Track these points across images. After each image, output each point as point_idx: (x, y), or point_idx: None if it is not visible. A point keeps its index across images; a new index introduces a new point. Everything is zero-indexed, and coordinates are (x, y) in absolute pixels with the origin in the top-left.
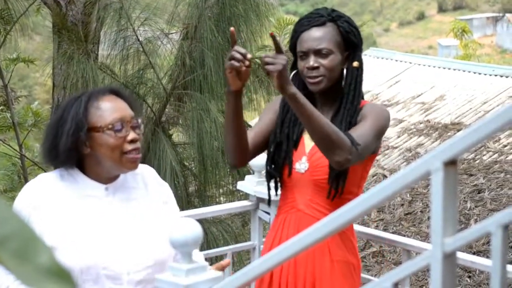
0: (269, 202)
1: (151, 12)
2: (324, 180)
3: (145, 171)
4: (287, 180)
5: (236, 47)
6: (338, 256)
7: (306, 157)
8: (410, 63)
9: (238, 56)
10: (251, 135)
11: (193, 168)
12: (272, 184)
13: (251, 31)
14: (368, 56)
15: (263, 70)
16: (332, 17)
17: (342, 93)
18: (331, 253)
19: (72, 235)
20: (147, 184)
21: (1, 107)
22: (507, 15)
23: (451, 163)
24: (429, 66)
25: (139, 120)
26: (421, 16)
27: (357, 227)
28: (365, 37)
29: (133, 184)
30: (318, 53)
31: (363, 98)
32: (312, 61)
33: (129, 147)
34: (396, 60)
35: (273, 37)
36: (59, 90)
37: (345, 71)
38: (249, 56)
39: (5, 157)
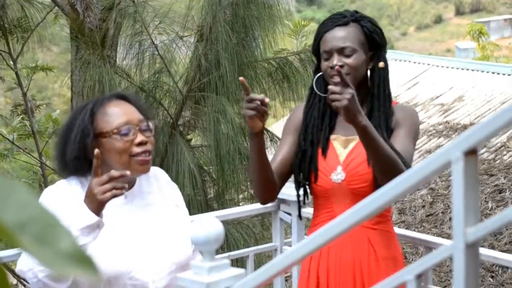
0: (299, 212)
1: (165, 16)
2: (363, 188)
3: (157, 173)
4: (319, 188)
5: (252, 96)
6: (383, 253)
7: (342, 167)
8: (428, 64)
9: (255, 105)
10: (275, 165)
11: (212, 171)
12: (301, 191)
13: (266, 33)
14: (388, 60)
15: (328, 101)
16: (356, 17)
17: (369, 95)
18: (376, 251)
19: (96, 244)
20: (161, 187)
21: (21, 116)
22: None
23: (471, 153)
24: (447, 67)
25: (149, 123)
26: (438, 20)
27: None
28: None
29: (149, 189)
30: (341, 52)
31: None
32: (336, 60)
33: (137, 149)
34: (414, 62)
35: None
36: (78, 97)
37: (368, 72)
38: (267, 100)
39: (26, 165)
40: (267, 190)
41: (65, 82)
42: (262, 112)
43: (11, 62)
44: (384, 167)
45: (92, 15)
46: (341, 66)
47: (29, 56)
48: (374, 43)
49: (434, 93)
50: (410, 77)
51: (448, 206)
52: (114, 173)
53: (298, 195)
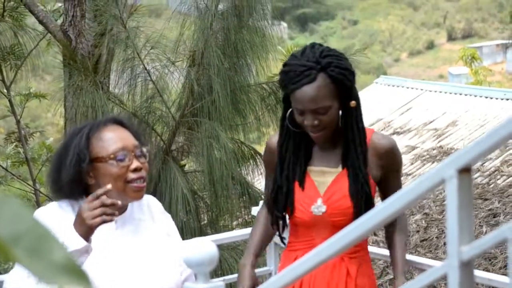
0: (281, 241)
1: (157, 41)
2: (344, 221)
3: (150, 201)
4: (298, 220)
5: None
6: (360, 283)
7: (322, 199)
8: (421, 90)
9: None
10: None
11: (205, 197)
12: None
13: (258, 58)
14: (379, 84)
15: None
16: (321, 66)
17: (343, 134)
18: (354, 281)
19: (86, 269)
20: (153, 215)
21: (15, 143)
22: None
23: (465, 170)
24: (440, 92)
25: (144, 149)
26: (430, 45)
27: (371, 249)
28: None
29: (140, 216)
30: (315, 111)
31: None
32: (311, 119)
33: (132, 175)
34: (407, 88)
35: None
36: (71, 123)
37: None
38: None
39: (20, 192)
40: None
41: (58, 111)
42: None
43: (5, 90)
44: None
45: (85, 41)
46: (317, 125)
47: (22, 85)
48: (344, 87)
49: (427, 118)
50: (403, 102)
51: (443, 231)
52: (106, 200)
53: (278, 228)
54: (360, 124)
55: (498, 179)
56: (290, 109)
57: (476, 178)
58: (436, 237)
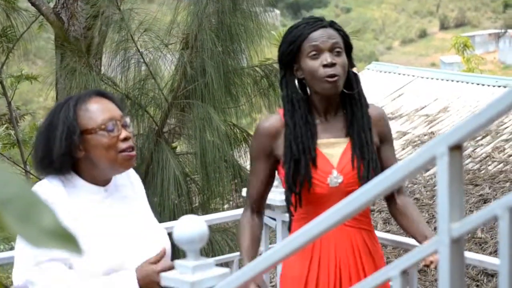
0: (290, 223)
1: (150, 23)
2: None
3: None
4: (310, 196)
5: None
6: (365, 251)
7: (336, 170)
8: (413, 76)
9: None
10: (258, 193)
11: (197, 179)
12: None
13: (251, 42)
14: (371, 70)
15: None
16: (330, 23)
17: (344, 98)
18: (360, 250)
19: (86, 241)
20: (130, 178)
21: (6, 125)
22: (510, 31)
23: (456, 148)
24: (432, 78)
25: (128, 119)
26: (423, 34)
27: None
28: (368, 55)
29: (122, 182)
30: (332, 50)
31: None
32: (329, 57)
33: (123, 145)
34: (399, 74)
35: None
36: None
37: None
38: None
39: None
40: None
41: (49, 95)
42: None
43: None
44: None
45: (77, 24)
46: (334, 64)
47: (14, 69)
48: (349, 47)
49: (419, 104)
50: (394, 88)
51: (433, 215)
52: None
53: (289, 203)
54: (362, 91)
55: (489, 165)
56: (294, 78)
57: (467, 164)
58: (427, 222)
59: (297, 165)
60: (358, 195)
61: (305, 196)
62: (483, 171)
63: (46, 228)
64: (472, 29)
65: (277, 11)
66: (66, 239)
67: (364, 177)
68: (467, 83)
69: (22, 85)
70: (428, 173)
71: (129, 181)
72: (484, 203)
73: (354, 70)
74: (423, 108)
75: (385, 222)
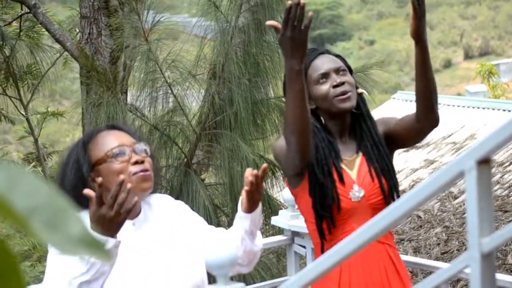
0: (322, 246)
1: (177, 54)
2: (381, 201)
3: (159, 199)
4: (337, 216)
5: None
6: (399, 268)
7: (357, 185)
8: (439, 104)
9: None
10: None
11: (226, 210)
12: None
13: (277, 71)
14: (397, 100)
15: (414, 2)
16: (325, 50)
17: (356, 119)
18: (396, 265)
19: (115, 277)
20: (165, 211)
21: (33, 163)
22: None
23: (484, 162)
24: (458, 106)
25: (141, 145)
26: (447, 64)
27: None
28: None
29: (152, 215)
30: (337, 72)
31: None
32: (337, 78)
33: (134, 168)
34: None
35: None
36: None
37: None
38: (302, 2)
39: None
40: (309, 137)
41: (76, 135)
42: (300, 19)
43: (22, 110)
44: (434, 86)
45: (101, 59)
46: (343, 83)
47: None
48: (349, 70)
49: (446, 132)
50: None
51: (463, 243)
52: (114, 190)
53: (322, 230)
54: (369, 111)
55: None
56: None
57: (496, 191)
58: (457, 250)
59: (322, 188)
60: (390, 211)
61: (334, 217)
62: (511, 197)
63: (74, 235)
64: (497, 58)
65: None
66: (94, 246)
67: (390, 187)
68: (493, 109)
69: (49, 126)
70: (457, 201)
71: (161, 212)
72: None
73: (360, 91)
74: (450, 136)
75: (415, 251)
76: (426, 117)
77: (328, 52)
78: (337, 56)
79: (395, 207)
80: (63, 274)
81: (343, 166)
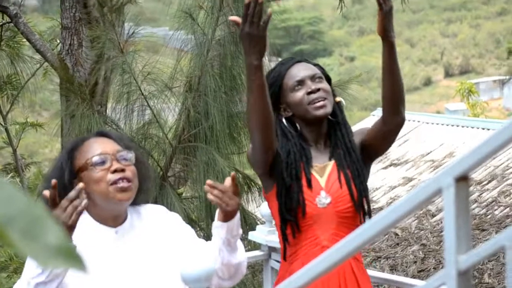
0: (284, 252)
1: (153, 66)
2: (348, 209)
3: (152, 210)
4: (302, 221)
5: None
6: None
7: (324, 191)
8: (418, 121)
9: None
10: None
11: (201, 223)
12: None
13: None
14: (376, 117)
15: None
16: (303, 58)
17: (332, 127)
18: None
19: (88, 283)
20: (154, 222)
21: (11, 174)
22: None
23: (462, 179)
24: (437, 124)
25: (128, 153)
26: (427, 82)
27: (371, 273)
28: (373, 103)
29: (140, 224)
30: (313, 78)
31: None
32: (312, 85)
33: (113, 177)
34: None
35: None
36: None
37: None
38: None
39: None
40: (270, 131)
41: (55, 146)
42: (259, 15)
43: (1, 120)
44: (401, 85)
45: (82, 70)
46: (318, 89)
47: (20, 119)
48: (328, 79)
49: (424, 150)
50: (400, 134)
51: (440, 261)
52: (69, 195)
53: (285, 234)
54: (345, 119)
55: (495, 210)
56: (283, 118)
57: (473, 209)
58: (433, 268)
59: (289, 192)
60: (367, 227)
61: (299, 221)
62: (489, 216)
63: (51, 245)
64: (477, 76)
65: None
66: (71, 256)
67: (359, 192)
68: (472, 127)
69: (28, 137)
70: (434, 219)
71: (149, 224)
72: None
73: (338, 99)
74: (428, 153)
75: (392, 268)
76: (392, 118)
77: (306, 60)
78: (315, 65)
79: (372, 223)
80: (24, 275)
81: (313, 172)
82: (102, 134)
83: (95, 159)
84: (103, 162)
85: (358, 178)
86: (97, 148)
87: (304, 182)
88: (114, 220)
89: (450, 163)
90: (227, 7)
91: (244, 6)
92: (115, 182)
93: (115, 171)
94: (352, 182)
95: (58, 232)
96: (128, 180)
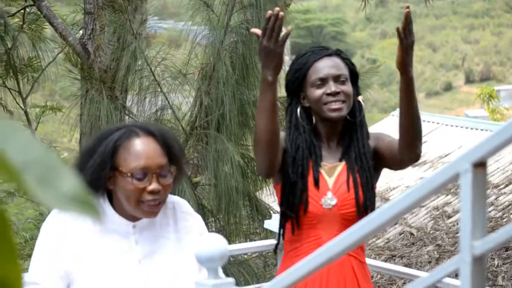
0: (276, 246)
1: (168, 52)
2: (352, 213)
3: (176, 205)
4: (304, 219)
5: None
6: (364, 284)
7: (331, 192)
8: (438, 123)
9: (270, 27)
10: None
11: (213, 209)
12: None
13: None
14: (396, 117)
15: (401, 33)
16: (336, 51)
17: (348, 126)
18: (359, 282)
19: (94, 272)
20: (177, 220)
21: None
22: None
23: (480, 165)
24: (456, 126)
25: (169, 168)
26: (448, 87)
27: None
28: (393, 106)
29: (162, 221)
30: (337, 79)
31: None
32: (333, 86)
33: (147, 197)
34: (423, 121)
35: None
36: (85, 137)
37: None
38: (281, 14)
39: (33, 206)
40: (275, 154)
41: (74, 136)
42: (278, 30)
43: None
44: (418, 124)
45: (103, 55)
46: (338, 93)
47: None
48: (355, 76)
49: (443, 151)
50: None
51: None
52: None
53: (283, 228)
54: (364, 120)
55: (511, 213)
56: (301, 106)
57: (489, 212)
58: None
59: (293, 188)
60: (383, 210)
61: (299, 219)
62: (505, 219)
63: (66, 191)
64: (498, 83)
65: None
66: (85, 204)
67: (365, 200)
68: (491, 131)
69: (47, 126)
70: (450, 220)
71: (173, 221)
72: (506, 251)
73: (360, 98)
74: (446, 155)
75: (406, 267)
76: (408, 152)
77: (338, 54)
78: (346, 59)
79: (388, 207)
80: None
81: (321, 171)
82: (148, 132)
83: (137, 174)
84: (142, 178)
85: (367, 185)
86: (140, 158)
87: (311, 180)
88: (134, 216)
89: (468, 149)
90: None
91: (265, 20)
92: (146, 202)
93: (151, 192)
94: (360, 187)
95: (73, 180)
96: (160, 202)
